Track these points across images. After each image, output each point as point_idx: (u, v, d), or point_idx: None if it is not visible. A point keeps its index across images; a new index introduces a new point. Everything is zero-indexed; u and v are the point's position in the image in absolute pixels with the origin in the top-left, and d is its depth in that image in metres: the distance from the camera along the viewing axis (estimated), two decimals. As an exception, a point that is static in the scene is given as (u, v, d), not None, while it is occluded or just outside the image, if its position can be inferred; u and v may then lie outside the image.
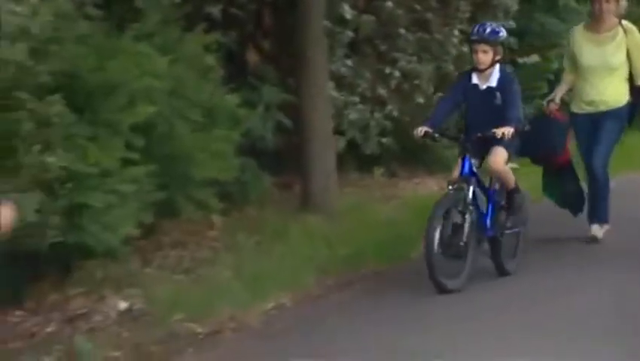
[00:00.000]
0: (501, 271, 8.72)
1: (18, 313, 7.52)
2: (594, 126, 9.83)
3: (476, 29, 8.75)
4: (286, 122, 10.68)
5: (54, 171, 7.21)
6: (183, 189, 8.47)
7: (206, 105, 8.65)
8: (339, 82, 11.49)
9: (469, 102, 8.75)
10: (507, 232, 8.75)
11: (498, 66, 8.62)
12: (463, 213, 8.18)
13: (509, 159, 8.67)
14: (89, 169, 7.51)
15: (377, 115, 12.05)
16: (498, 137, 8.27)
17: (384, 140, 12.11)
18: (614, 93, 9.89)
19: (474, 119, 8.69)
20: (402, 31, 12.49)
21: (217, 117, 8.86)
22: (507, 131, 8.29)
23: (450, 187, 8.30)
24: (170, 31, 8.58)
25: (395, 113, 12.19)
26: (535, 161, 10.14)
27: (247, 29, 10.87)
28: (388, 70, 12.12)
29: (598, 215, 9.91)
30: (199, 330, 7.43)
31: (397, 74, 12.20)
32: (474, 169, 8.50)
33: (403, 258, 9.39)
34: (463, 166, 8.41)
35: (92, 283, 7.84)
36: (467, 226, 8.16)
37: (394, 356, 6.89)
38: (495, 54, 8.53)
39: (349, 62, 11.72)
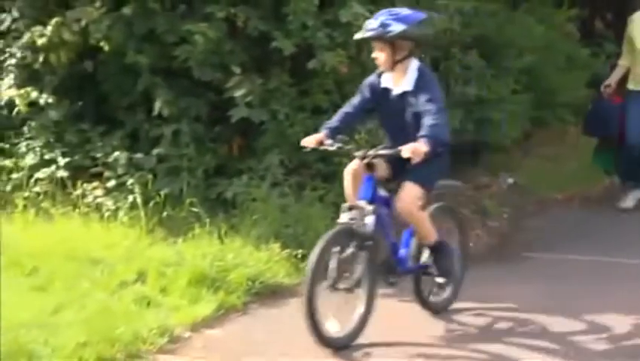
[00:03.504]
0: (430, 308, 6.77)
1: None
2: None
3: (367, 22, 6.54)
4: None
5: (471, 97, 9.82)
6: (550, 109, 10.91)
7: (567, 56, 11.17)
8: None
9: (381, 110, 6.55)
10: (434, 275, 6.67)
11: (414, 65, 6.38)
12: (359, 248, 6.12)
13: (427, 196, 6.43)
14: (491, 95, 9.97)
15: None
16: (405, 156, 6.03)
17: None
18: None
19: (389, 131, 6.60)
20: None
21: (574, 63, 11.35)
22: (418, 150, 6.00)
23: (345, 214, 6.22)
24: (546, 8, 11.31)
25: None
26: (600, 139, 9.95)
27: (596, 5, 13.26)
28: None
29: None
30: (559, 197, 10.01)
31: None
32: (383, 192, 6.40)
33: None
34: (365, 188, 6.30)
35: (492, 166, 10.36)
36: (361, 264, 6.13)
37: None
38: (394, 52, 6.32)
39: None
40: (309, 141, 6.55)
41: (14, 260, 6.92)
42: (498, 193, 9.98)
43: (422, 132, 6.11)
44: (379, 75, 6.55)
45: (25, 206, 8.04)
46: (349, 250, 6.13)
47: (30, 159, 8.47)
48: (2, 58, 8.84)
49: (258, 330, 6.38)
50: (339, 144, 6.47)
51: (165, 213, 7.85)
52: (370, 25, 6.40)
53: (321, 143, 6.48)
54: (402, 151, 6.06)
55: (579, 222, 9.29)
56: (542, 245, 8.60)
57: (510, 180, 10.28)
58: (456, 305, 6.91)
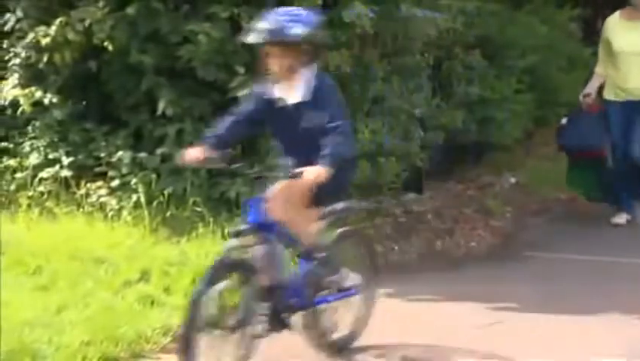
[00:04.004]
0: (331, 348, 5.94)
1: (449, 183, 10.10)
2: (632, 116, 8.94)
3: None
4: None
5: (473, 97, 10.00)
6: (552, 108, 10.94)
7: (569, 56, 11.29)
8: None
9: (273, 122, 5.76)
10: (329, 298, 5.92)
11: (312, 73, 5.61)
12: (244, 281, 5.42)
13: (327, 218, 5.82)
14: (494, 95, 10.14)
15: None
16: (309, 180, 5.36)
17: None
18: None
19: (284, 146, 5.83)
20: None
21: (577, 63, 11.44)
22: (320, 175, 5.33)
23: (230, 241, 5.53)
24: (548, 9, 11.38)
25: None
26: (575, 155, 9.28)
27: (598, 4, 13.14)
28: None
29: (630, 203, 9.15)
30: (562, 196, 10.02)
31: None
32: (271, 218, 5.58)
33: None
34: (253, 211, 5.55)
35: (495, 165, 10.51)
36: (247, 300, 5.43)
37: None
38: (293, 58, 5.56)
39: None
40: (189, 158, 5.68)
41: (18, 259, 6.91)
42: (501, 193, 10.03)
43: (324, 153, 5.39)
44: (271, 83, 5.71)
45: (29, 205, 8.04)
46: (232, 284, 5.39)
47: (34, 159, 8.46)
48: (6, 58, 8.81)
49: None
50: (237, 165, 5.77)
51: (168, 213, 7.85)
52: (266, 27, 5.58)
53: (205, 159, 5.61)
54: (302, 175, 5.35)
55: (581, 222, 9.26)
56: (545, 245, 8.59)
57: (513, 180, 10.32)
58: (457, 305, 6.89)
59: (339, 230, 6.12)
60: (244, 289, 5.46)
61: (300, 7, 7.75)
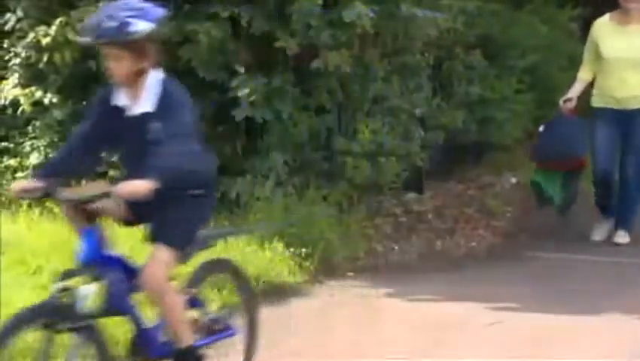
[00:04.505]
0: None
1: (450, 183, 10.01)
2: (621, 127, 8.36)
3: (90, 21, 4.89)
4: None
5: (474, 97, 9.96)
6: (552, 108, 10.05)
7: (570, 56, 10.98)
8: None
9: (115, 134, 4.88)
10: (202, 343, 5.05)
11: (156, 78, 4.83)
12: (73, 330, 4.56)
13: (185, 257, 4.93)
14: (494, 95, 10.08)
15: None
16: (123, 196, 4.56)
17: None
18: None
19: (126, 162, 5.02)
20: None
21: (576, 63, 10.38)
22: (135, 190, 4.50)
23: (56, 285, 4.64)
24: (549, 9, 11.37)
25: None
26: (552, 166, 8.65)
27: (599, 4, 12.58)
28: None
29: (625, 223, 8.55)
30: None
31: None
32: (112, 252, 4.85)
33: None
34: (85, 247, 4.73)
35: (495, 165, 10.43)
36: (75, 353, 4.57)
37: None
38: (135, 60, 4.73)
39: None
40: (15, 191, 4.90)
41: (19, 259, 6.90)
42: (502, 193, 9.99)
43: (150, 164, 4.53)
44: (112, 90, 4.88)
45: (29, 205, 8.02)
46: (56, 334, 4.54)
47: (34, 159, 8.46)
48: (7, 57, 8.82)
49: (261, 328, 6.36)
50: (63, 194, 4.77)
51: (169, 213, 7.83)
52: (104, 25, 4.68)
53: (31, 190, 4.78)
54: (114, 192, 4.53)
55: (582, 222, 9.18)
56: (546, 244, 8.56)
57: (514, 180, 10.29)
58: (457, 305, 6.86)
59: (201, 263, 5.26)
60: (76, 338, 4.61)
61: (300, 8, 8.06)
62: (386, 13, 8.52)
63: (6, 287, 6.20)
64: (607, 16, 8.65)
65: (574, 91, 8.61)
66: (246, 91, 8.09)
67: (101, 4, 8.23)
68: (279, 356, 5.90)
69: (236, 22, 8.16)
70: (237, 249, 7.25)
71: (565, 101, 8.56)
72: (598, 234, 8.70)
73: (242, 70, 8.15)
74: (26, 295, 6.21)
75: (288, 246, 7.49)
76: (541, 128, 8.58)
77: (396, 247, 8.44)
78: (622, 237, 8.56)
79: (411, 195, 9.43)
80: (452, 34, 9.85)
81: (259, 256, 7.27)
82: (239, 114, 8.16)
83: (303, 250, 7.51)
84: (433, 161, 9.53)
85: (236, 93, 8.12)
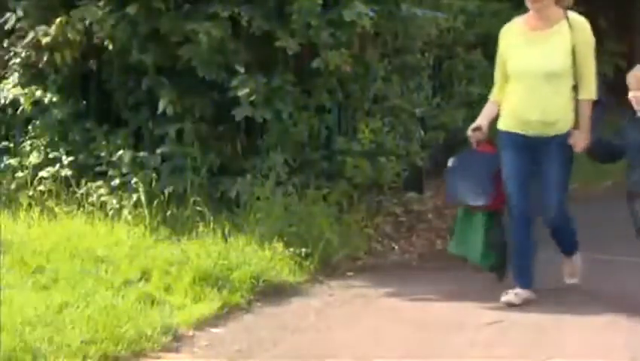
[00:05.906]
0: None
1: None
2: (534, 156, 6.70)
3: None
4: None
5: (474, 96, 9.98)
6: None
7: None
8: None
9: None
10: None
11: None
12: None
13: None
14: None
15: None
16: None
17: None
18: (560, 110, 6.66)
19: None
20: None
21: None
22: None
23: None
24: None
25: None
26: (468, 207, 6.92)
27: (599, 3, 13.18)
28: None
29: (567, 249, 7.12)
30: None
31: None
32: None
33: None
34: None
35: None
36: None
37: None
38: None
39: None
40: None
41: (19, 258, 6.92)
42: (502, 192, 10.08)
43: None
44: None
45: (29, 205, 8.07)
46: None
47: (34, 158, 8.49)
48: (7, 57, 8.85)
49: (262, 328, 6.39)
50: None
51: (169, 212, 7.89)
52: None
53: None
54: None
55: (582, 221, 9.08)
56: (545, 244, 8.50)
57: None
58: (457, 304, 6.86)
59: None
60: None
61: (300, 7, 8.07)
62: (386, 12, 8.57)
63: (6, 287, 6.22)
64: (516, 21, 6.98)
65: (484, 117, 6.95)
66: (246, 91, 8.12)
67: (101, 4, 8.34)
68: (279, 356, 5.89)
69: (236, 21, 8.18)
70: (237, 248, 7.27)
71: (473, 130, 6.91)
72: (509, 294, 6.86)
73: (242, 70, 8.18)
74: (26, 295, 6.27)
75: (287, 245, 7.49)
76: (450, 164, 7.05)
77: (396, 247, 8.43)
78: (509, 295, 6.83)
79: (411, 195, 9.47)
80: (453, 34, 10.04)
81: (259, 255, 7.28)
82: (238, 114, 8.17)
83: (303, 249, 7.51)
84: (433, 160, 9.54)
85: (235, 93, 8.14)
